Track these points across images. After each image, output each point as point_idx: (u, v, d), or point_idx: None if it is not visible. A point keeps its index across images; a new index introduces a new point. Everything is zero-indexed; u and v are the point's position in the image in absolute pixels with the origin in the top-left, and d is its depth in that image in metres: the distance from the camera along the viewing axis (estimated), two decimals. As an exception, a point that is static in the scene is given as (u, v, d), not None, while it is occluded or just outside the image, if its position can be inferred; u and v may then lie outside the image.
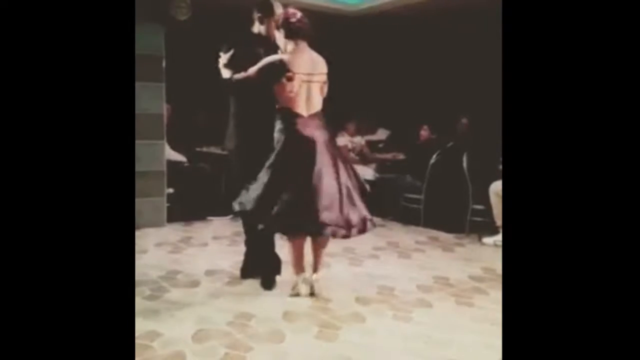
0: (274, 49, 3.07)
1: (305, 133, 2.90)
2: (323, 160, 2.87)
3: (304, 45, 2.98)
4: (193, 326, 2.60)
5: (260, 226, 2.89)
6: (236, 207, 2.98)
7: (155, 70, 4.76)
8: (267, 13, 3.11)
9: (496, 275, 3.63)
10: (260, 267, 3.28)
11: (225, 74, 3.01)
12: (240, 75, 2.96)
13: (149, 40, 4.63)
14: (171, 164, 5.14)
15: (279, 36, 3.01)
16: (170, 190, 5.07)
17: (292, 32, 2.95)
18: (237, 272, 3.49)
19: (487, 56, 4.81)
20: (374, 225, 3.05)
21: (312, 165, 2.84)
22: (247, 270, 3.37)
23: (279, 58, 2.94)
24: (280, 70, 2.88)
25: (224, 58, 3.00)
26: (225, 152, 5.42)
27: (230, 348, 2.38)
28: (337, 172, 2.91)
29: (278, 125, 2.97)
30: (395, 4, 5.57)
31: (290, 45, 2.98)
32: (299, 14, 2.96)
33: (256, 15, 3.15)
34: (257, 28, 3.16)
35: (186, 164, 5.36)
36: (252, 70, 2.93)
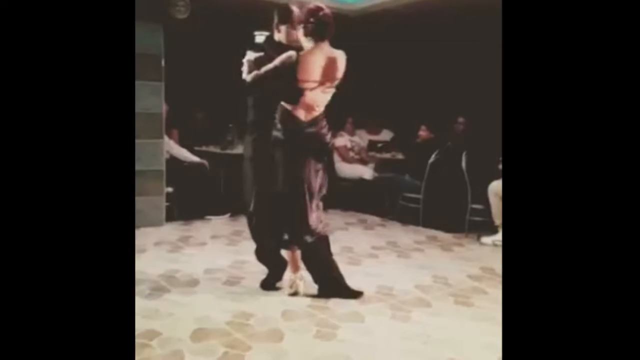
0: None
1: (295, 141, 2.87)
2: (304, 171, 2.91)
3: (323, 45, 2.84)
4: (192, 325, 2.60)
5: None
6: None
7: (154, 69, 4.75)
8: (285, 18, 3.02)
9: (495, 275, 3.64)
10: (265, 262, 3.28)
11: (245, 74, 2.91)
12: (251, 75, 2.87)
13: (147, 39, 4.62)
14: (176, 161, 5.15)
15: (299, 34, 2.87)
16: (169, 189, 5.07)
17: (309, 30, 2.80)
18: (236, 272, 3.50)
19: (486, 55, 4.82)
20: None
21: (295, 174, 2.89)
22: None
23: (290, 58, 2.80)
24: (291, 73, 2.79)
25: (250, 55, 2.88)
26: (225, 151, 5.48)
27: (229, 347, 2.38)
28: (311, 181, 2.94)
29: (276, 123, 2.92)
30: (394, 3, 5.57)
31: (308, 44, 2.84)
32: (321, 12, 2.79)
33: (275, 21, 3.06)
34: (278, 36, 3.07)
35: (197, 163, 5.34)
36: (266, 68, 2.83)
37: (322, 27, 2.81)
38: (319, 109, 2.91)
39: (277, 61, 2.83)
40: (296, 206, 2.91)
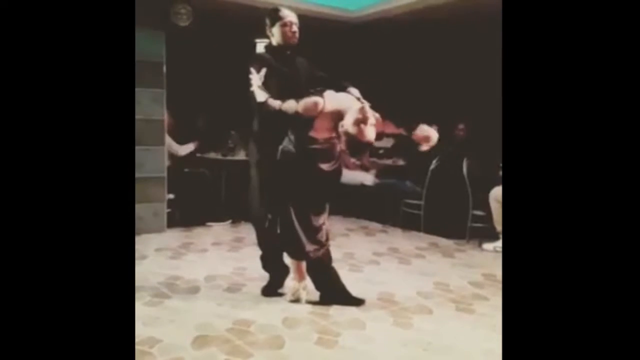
0: (295, 63, 3.03)
1: (306, 155, 2.84)
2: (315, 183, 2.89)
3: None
4: (193, 332, 2.60)
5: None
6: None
7: (156, 76, 4.77)
8: (274, 19, 3.03)
9: (496, 281, 3.63)
10: (269, 269, 3.28)
11: (260, 97, 2.84)
12: (276, 104, 2.81)
13: (149, 47, 4.64)
14: (177, 167, 5.16)
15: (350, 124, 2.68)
16: (171, 196, 5.07)
17: (350, 149, 2.75)
18: (237, 278, 3.50)
19: (486, 62, 4.83)
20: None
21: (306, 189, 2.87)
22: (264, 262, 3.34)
23: (315, 108, 2.72)
24: (309, 120, 2.78)
25: (256, 78, 2.84)
26: (226, 158, 5.49)
27: (230, 354, 2.38)
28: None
29: (290, 134, 2.90)
30: (393, 11, 5.59)
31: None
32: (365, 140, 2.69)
33: (267, 26, 3.07)
34: (274, 40, 3.07)
35: (196, 153, 5.40)
36: (289, 107, 2.78)
37: (360, 149, 2.81)
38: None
39: (300, 107, 2.75)
40: (302, 220, 2.90)
